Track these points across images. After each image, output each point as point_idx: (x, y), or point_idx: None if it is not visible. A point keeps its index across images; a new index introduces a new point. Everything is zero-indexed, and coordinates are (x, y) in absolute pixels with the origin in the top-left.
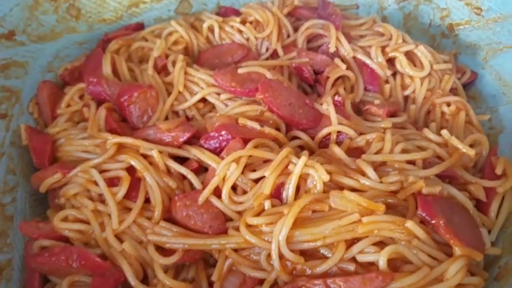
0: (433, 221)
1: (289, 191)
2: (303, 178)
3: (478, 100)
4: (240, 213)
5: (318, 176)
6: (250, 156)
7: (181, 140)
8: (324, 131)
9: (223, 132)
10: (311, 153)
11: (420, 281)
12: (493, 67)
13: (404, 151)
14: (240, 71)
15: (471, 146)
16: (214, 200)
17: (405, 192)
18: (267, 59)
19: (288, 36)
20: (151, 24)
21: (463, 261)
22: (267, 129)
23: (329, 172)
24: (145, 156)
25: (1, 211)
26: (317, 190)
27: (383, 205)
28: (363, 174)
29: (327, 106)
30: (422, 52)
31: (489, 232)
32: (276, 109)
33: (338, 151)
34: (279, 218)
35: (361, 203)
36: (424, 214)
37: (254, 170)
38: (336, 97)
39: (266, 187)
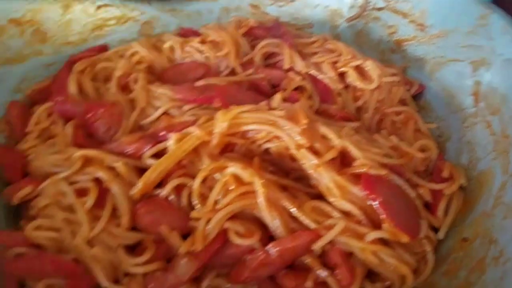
0: (371, 196)
1: None
2: None
3: (427, 110)
4: None
5: None
6: None
7: (143, 151)
8: None
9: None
10: None
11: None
12: (439, 79)
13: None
14: (197, 83)
15: (421, 151)
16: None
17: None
18: (226, 76)
19: (246, 54)
20: (115, 46)
21: (383, 233)
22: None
23: None
24: (110, 169)
25: None
26: None
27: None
28: None
29: (275, 103)
30: (371, 66)
31: (437, 231)
32: None
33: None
34: None
35: None
36: (365, 191)
37: None
38: (293, 95)
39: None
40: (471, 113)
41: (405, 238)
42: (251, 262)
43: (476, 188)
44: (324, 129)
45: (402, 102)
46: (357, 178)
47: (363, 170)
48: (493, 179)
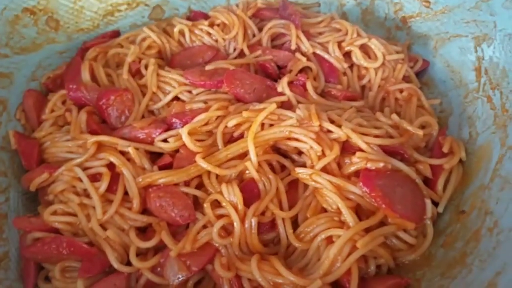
0: (372, 194)
1: None
2: None
3: (430, 86)
4: None
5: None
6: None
7: (154, 136)
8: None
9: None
10: None
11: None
12: (443, 55)
13: (359, 125)
14: (207, 67)
15: (422, 127)
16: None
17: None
18: (235, 58)
19: (254, 36)
20: (127, 31)
21: (389, 229)
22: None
23: None
24: (123, 153)
25: None
26: None
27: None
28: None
29: (281, 88)
30: (375, 44)
31: (437, 205)
32: (241, 98)
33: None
34: None
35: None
36: (364, 188)
37: None
38: (300, 77)
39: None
40: (473, 88)
41: (411, 226)
42: None
43: (475, 162)
44: (327, 124)
45: (406, 79)
46: (356, 175)
47: (361, 165)
48: (491, 152)
